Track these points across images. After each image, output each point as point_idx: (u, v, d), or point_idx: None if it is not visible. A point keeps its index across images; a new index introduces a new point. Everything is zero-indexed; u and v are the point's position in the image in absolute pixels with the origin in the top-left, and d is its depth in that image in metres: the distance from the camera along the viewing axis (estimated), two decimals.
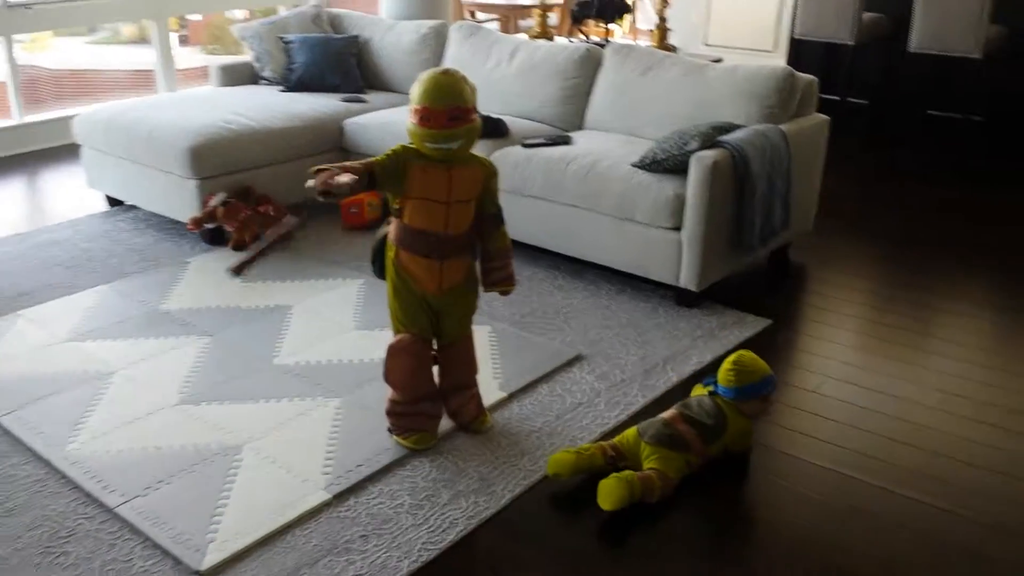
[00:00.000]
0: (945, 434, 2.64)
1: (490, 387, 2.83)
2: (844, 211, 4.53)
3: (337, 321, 3.33)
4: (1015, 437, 2.63)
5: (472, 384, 2.64)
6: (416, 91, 2.29)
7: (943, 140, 5.83)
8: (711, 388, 2.55)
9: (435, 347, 2.59)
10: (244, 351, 3.12)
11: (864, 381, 2.94)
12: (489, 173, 2.44)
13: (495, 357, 3.04)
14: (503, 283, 2.53)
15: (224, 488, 2.41)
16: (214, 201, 3.93)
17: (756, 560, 2.16)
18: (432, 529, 2.25)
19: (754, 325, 3.30)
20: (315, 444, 2.59)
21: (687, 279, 3.34)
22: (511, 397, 2.82)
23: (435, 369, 2.60)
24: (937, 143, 5.79)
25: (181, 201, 4.03)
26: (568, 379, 2.92)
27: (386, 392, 2.58)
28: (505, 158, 3.76)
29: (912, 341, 3.22)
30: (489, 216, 2.47)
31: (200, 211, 3.94)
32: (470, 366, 2.63)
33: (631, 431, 2.50)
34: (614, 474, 2.34)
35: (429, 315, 2.50)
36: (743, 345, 3.16)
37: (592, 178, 3.49)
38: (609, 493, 2.30)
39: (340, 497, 2.38)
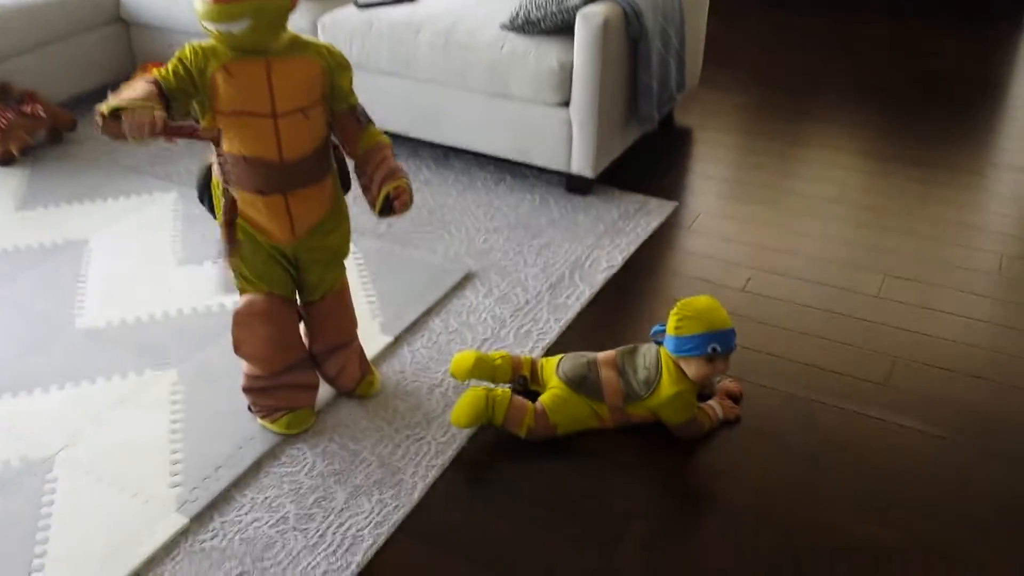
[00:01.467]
0: (898, 331, 2.33)
1: (370, 330, 2.27)
2: (727, 59, 4.09)
3: (152, 255, 2.62)
4: (975, 325, 2.36)
5: (352, 339, 2.07)
6: None
7: None
8: (659, 336, 2.02)
9: (299, 303, 1.99)
10: (34, 314, 2.38)
11: (795, 270, 2.59)
12: (331, 66, 1.74)
13: (367, 286, 2.46)
14: (394, 195, 1.77)
15: (39, 527, 1.78)
16: None
17: (714, 522, 1.79)
18: (331, 549, 1.73)
19: (659, 211, 2.85)
20: (153, 443, 1.97)
21: (580, 164, 2.82)
22: (398, 341, 2.28)
23: (302, 328, 2.01)
24: None
25: None
26: (462, 306, 2.40)
27: (240, 364, 1.98)
28: (338, 25, 3.03)
29: (834, 212, 2.89)
30: (344, 114, 1.79)
31: None
32: (347, 322, 2.05)
33: (555, 358, 2.06)
34: (480, 387, 1.95)
35: (285, 266, 1.89)
36: (653, 236, 2.72)
37: (452, 47, 2.84)
38: (462, 405, 1.94)
39: (199, 520, 1.80)
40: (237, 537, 1.76)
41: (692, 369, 1.93)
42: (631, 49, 2.79)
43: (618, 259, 2.60)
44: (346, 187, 1.92)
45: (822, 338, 2.31)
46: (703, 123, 3.53)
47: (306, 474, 1.90)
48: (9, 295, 2.45)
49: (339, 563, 1.70)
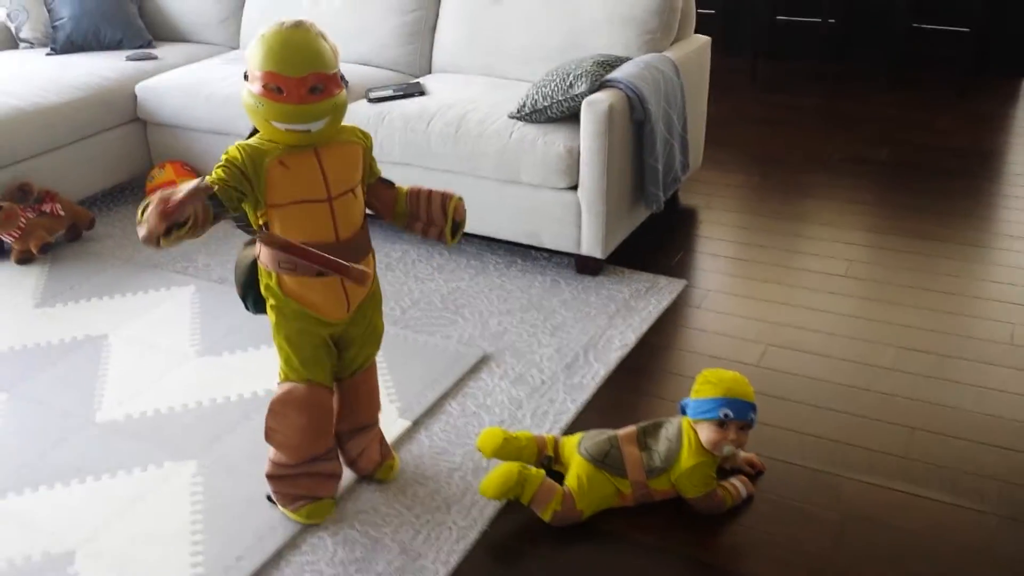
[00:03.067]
0: (914, 402, 2.34)
1: (388, 415, 2.28)
2: (728, 139, 4.19)
3: (171, 349, 2.65)
4: (991, 394, 2.37)
5: (375, 422, 2.08)
6: (258, 53, 1.66)
7: (799, 46, 5.62)
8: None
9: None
10: (53, 408, 2.40)
11: (808, 345, 2.60)
12: (367, 146, 1.86)
13: (383, 372, 2.48)
14: (458, 216, 1.93)
15: None
16: None
17: None
18: None
19: (670, 289, 2.89)
20: (173, 535, 1.96)
21: (590, 245, 2.87)
22: (416, 425, 2.28)
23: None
24: (793, 49, 5.57)
25: None
26: (479, 389, 2.41)
27: (265, 450, 1.99)
28: (351, 119, 3.12)
29: (842, 288, 2.92)
30: (376, 184, 1.92)
31: None
32: (374, 401, 2.06)
33: (575, 436, 2.07)
34: (514, 463, 1.95)
35: (330, 351, 1.91)
36: (665, 315, 2.75)
37: (463, 137, 2.93)
38: (494, 477, 1.93)
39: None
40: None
41: (704, 433, 1.94)
42: (636, 133, 2.87)
43: (631, 338, 2.62)
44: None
45: (839, 412, 2.31)
46: (707, 203, 3.59)
47: (327, 563, 1.88)
48: (30, 391, 2.48)
49: None
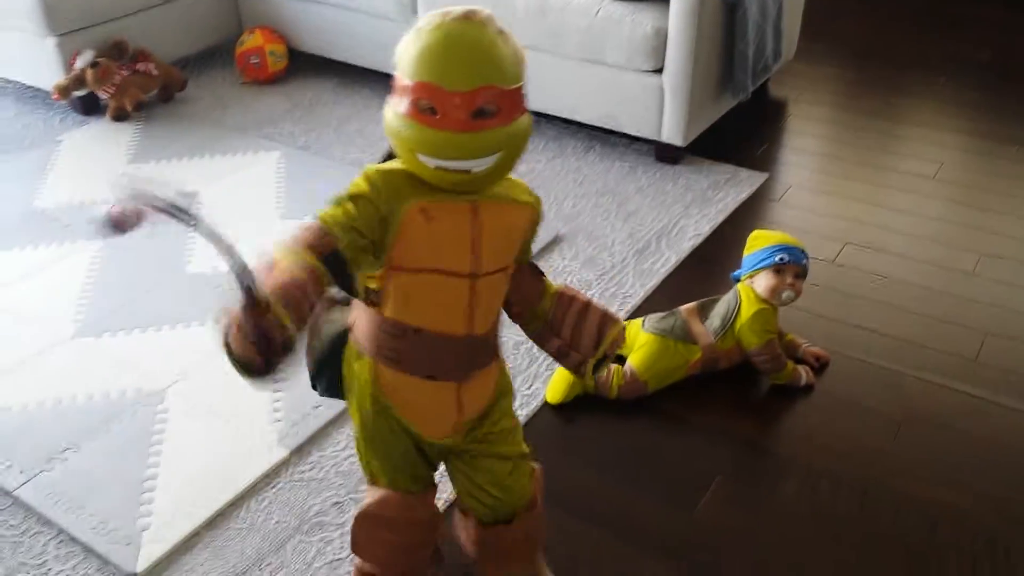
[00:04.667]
0: (992, 308, 2.30)
1: None
2: (826, 31, 4.02)
3: (256, 210, 2.74)
4: None
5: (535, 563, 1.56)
6: (409, 54, 1.13)
7: None
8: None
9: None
10: (146, 258, 2.53)
11: (890, 244, 2.56)
12: (538, 215, 1.31)
13: None
14: (606, 345, 1.38)
15: (151, 452, 1.91)
16: (80, 62, 3.18)
17: (792, 483, 1.82)
18: None
19: (749, 182, 2.85)
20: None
21: (671, 132, 2.84)
22: None
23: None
24: None
25: (40, 64, 3.25)
26: (549, 268, 2.45)
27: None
28: None
29: (930, 189, 2.84)
30: (524, 268, 1.36)
31: (66, 76, 3.19)
32: (533, 550, 1.52)
33: (638, 321, 2.11)
34: None
35: (427, 460, 1.41)
36: (742, 207, 2.73)
37: (548, 11, 2.88)
38: (555, 383, 2.02)
39: (299, 452, 1.91)
40: (334, 470, 1.86)
41: (762, 283, 2.01)
42: (728, 16, 2.79)
43: (705, 228, 2.61)
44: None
45: (913, 313, 2.29)
46: (798, 96, 3.49)
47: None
48: (123, 241, 2.60)
49: None
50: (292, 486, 1.83)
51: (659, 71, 2.78)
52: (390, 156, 1.22)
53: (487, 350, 1.33)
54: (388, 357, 1.28)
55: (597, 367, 1.39)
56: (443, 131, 1.10)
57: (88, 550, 1.70)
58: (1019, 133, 3.17)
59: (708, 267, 2.47)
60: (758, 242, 2.07)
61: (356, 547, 1.45)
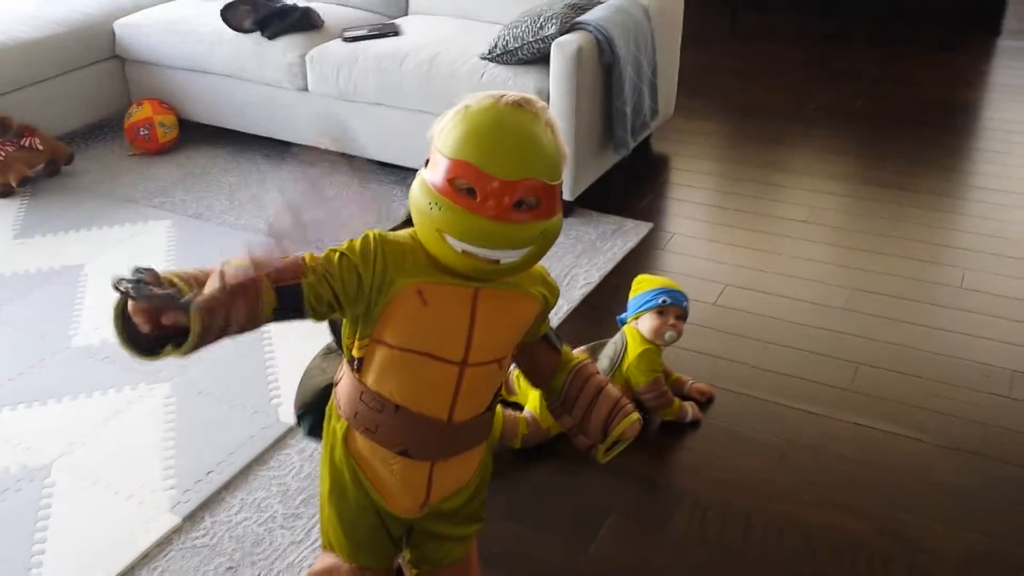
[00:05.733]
0: (863, 340, 2.43)
1: None
2: (705, 88, 4.24)
3: None
4: (936, 333, 2.47)
5: None
6: (453, 131, 1.10)
7: None
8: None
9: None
10: (31, 333, 2.47)
11: (765, 285, 2.69)
12: (549, 306, 1.28)
13: None
14: (615, 435, 1.34)
15: (38, 526, 1.86)
16: None
17: (683, 515, 1.87)
18: (317, 544, 1.81)
19: (635, 231, 2.97)
20: (146, 451, 2.05)
21: None
22: None
23: None
24: (774, 1, 5.60)
25: None
26: None
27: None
28: (324, 57, 3.17)
29: (804, 233, 3.00)
30: (536, 344, 1.34)
31: None
32: None
33: None
34: None
35: (391, 537, 1.38)
36: (629, 256, 2.83)
37: (435, 76, 2.97)
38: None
39: (191, 519, 1.88)
40: (227, 535, 1.84)
41: (646, 324, 2.10)
42: (605, 77, 2.93)
43: (595, 276, 2.70)
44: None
45: (790, 348, 2.41)
46: (679, 151, 3.66)
47: (293, 477, 1.98)
48: (8, 317, 2.54)
49: None
50: (184, 554, 1.80)
51: None
52: (407, 223, 1.17)
53: (471, 435, 1.29)
54: (365, 427, 1.24)
55: (609, 448, 1.35)
56: (479, 216, 1.06)
57: None
58: (887, 176, 3.39)
59: (599, 313, 2.55)
60: (642, 286, 2.17)
61: None
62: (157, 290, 0.97)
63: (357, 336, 1.19)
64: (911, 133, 3.77)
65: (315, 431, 1.40)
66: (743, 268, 2.78)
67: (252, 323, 1.06)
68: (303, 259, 1.10)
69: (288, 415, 2.10)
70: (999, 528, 1.84)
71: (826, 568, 1.76)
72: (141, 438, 2.09)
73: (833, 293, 2.65)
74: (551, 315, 1.35)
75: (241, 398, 2.19)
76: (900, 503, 1.90)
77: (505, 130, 1.08)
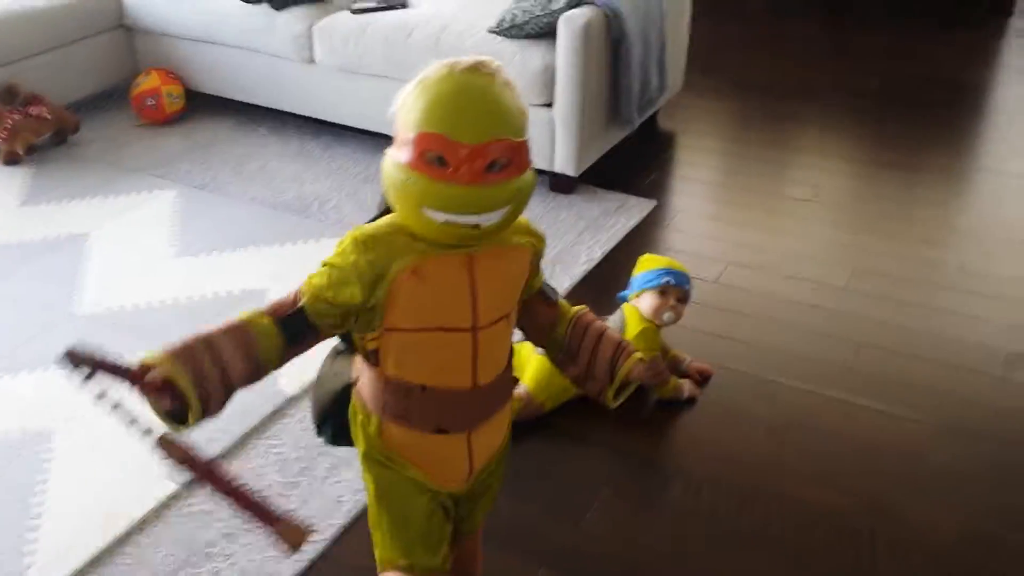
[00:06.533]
0: (863, 319, 2.43)
1: None
2: (714, 64, 4.21)
3: (150, 248, 2.73)
4: (936, 314, 2.46)
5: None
6: (415, 105, 1.12)
7: None
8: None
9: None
10: (34, 301, 2.49)
11: (767, 264, 2.69)
12: (539, 251, 1.28)
13: None
14: (621, 376, 1.34)
15: (36, 490, 1.88)
16: None
17: (676, 491, 1.89)
18: (312, 512, 1.84)
19: (639, 209, 2.96)
20: (145, 419, 2.07)
21: (563, 163, 2.94)
22: None
23: None
24: None
25: None
26: None
27: None
28: (332, 29, 3.16)
29: (808, 212, 2.99)
30: (532, 299, 1.33)
31: None
32: (477, 558, 1.59)
33: (528, 344, 2.15)
34: None
35: (447, 521, 1.36)
36: (632, 233, 2.83)
37: (442, 49, 2.96)
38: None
39: (189, 486, 1.90)
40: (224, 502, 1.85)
41: (646, 303, 2.10)
42: (612, 52, 2.91)
43: (597, 253, 2.70)
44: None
45: (790, 326, 2.41)
46: (686, 128, 3.64)
47: (291, 447, 2.00)
48: (8, 288, 2.56)
49: (321, 524, 1.80)
50: (182, 520, 1.82)
51: (549, 105, 2.88)
52: (383, 213, 1.21)
53: (498, 396, 1.31)
54: (395, 415, 1.26)
55: (619, 393, 1.36)
56: (454, 184, 1.07)
57: None
58: (893, 156, 3.37)
59: (601, 290, 2.55)
60: (647, 264, 2.16)
61: None
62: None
63: (367, 334, 1.21)
64: (919, 113, 3.75)
65: (338, 439, 1.40)
66: (745, 247, 2.78)
67: (259, 369, 1.19)
68: (298, 289, 1.18)
69: (288, 385, 2.12)
70: (993, 509, 1.84)
71: (820, 545, 1.77)
72: (143, 407, 2.10)
73: (834, 272, 2.64)
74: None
75: None
76: (895, 482, 1.91)
77: (466, 95, 1.09)
